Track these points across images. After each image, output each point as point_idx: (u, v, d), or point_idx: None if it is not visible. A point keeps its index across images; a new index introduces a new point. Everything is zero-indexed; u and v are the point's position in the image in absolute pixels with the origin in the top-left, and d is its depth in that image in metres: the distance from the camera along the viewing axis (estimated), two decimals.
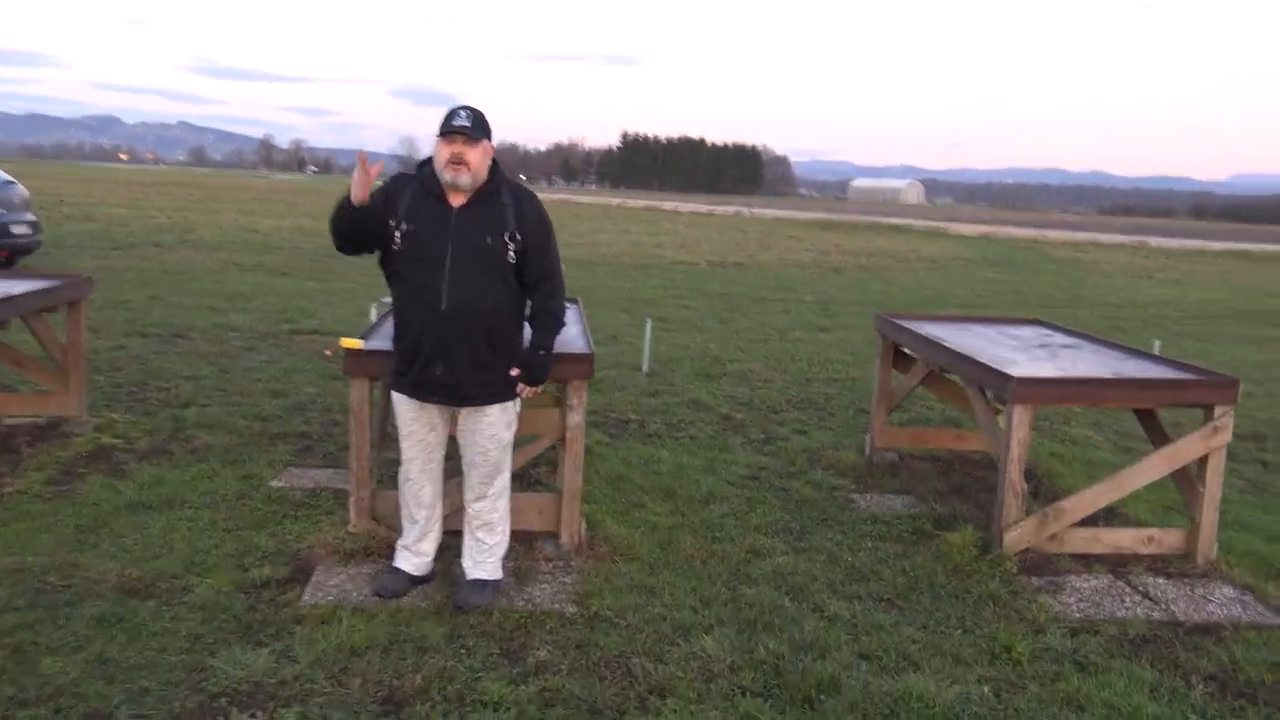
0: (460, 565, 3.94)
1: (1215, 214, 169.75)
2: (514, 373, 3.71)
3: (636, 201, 71.78)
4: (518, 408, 3.82)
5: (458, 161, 3.49)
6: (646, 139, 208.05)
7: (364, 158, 3.48)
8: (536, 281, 3.68)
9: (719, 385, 8.37)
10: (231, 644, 3.38)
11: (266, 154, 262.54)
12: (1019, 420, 4.46)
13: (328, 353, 4.40)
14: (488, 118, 3.61)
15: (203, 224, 25.43)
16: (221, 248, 19.03)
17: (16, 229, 13.78)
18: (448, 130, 3.50)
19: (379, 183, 3.63)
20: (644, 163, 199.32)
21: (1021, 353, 5.26)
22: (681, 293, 15.73)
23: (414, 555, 3.92)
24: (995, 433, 4.74)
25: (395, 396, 3.75)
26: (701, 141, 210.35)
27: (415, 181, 3.63)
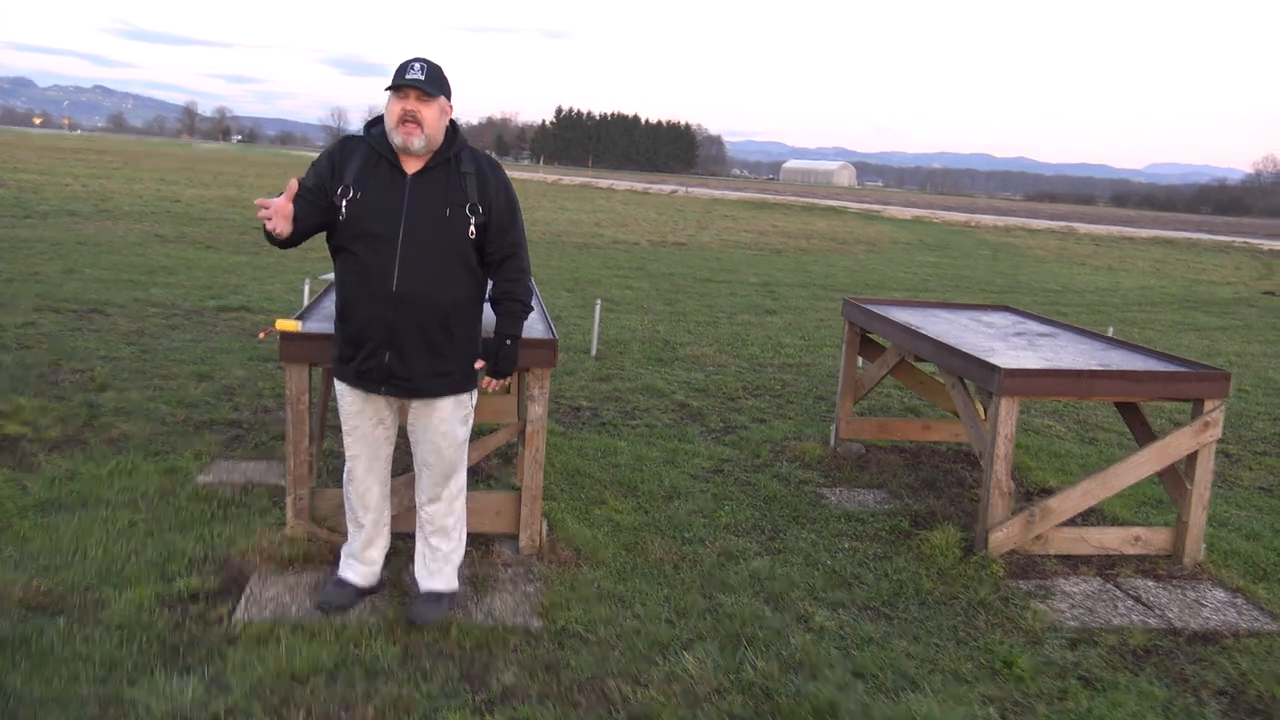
0: (413, 574, 3.57)
1: (1136, 202, 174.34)
2: (478, 364, 3.35)
3: (572, 178, 71.04)
4: (474, 400, 3.45)
5: (410, 120, 3.10)
6: (581, 114, 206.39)
7: (293, 186, 3.06)
8: (501, 261, 3.30)
9: (671, 371, 8.06)
10: (154, 671, 2.98)
11: (190, 121, 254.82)
12: (1005, 414, 4.22)
13: (261, 335, 3.97)
14: (445, 73, 3.22)
15: (121, 193, 24.31)
16: (142, 218, 18.15)
17: None
18: (400, 84, 3.10)
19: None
20: (578, 139, 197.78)
21: (999, 341, 5.04)
22: (625, 273, 15.37)
23: (360, 564, 3.54)
24: (978, 427, 4.50)
25: (338, 386, 3.36)
26: (636, 119, 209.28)
27: (364, 144, 3.23)
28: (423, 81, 3.10)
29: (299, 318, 4.05)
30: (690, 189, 64.94)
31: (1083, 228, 45.58)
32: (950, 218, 47.49)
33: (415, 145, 3.12)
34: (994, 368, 4.21)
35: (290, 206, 2.98)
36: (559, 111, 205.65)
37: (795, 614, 3.71)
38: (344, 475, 3.49)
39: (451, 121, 3.26)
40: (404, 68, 3.14)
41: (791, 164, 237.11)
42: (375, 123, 3.30)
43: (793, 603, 3.81)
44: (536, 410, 3.96)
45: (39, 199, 20.41)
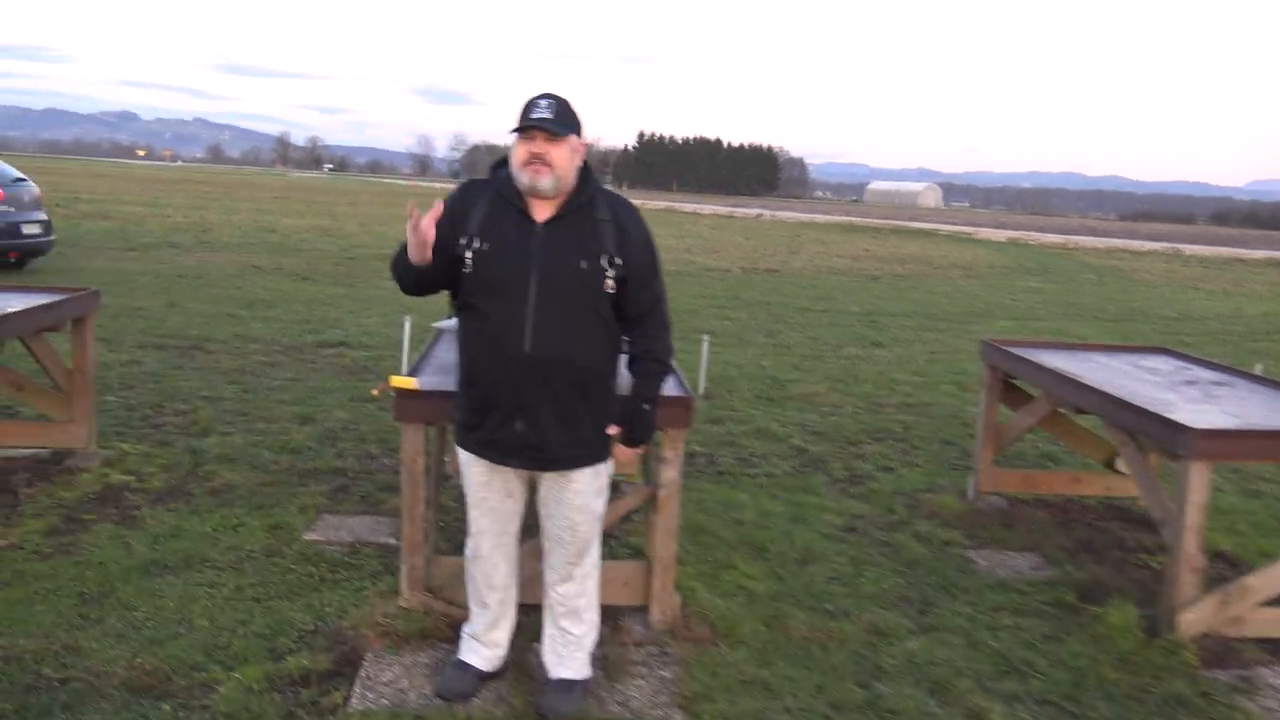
0: (540, 658, 3.24)
1: (1239, 220, 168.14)
2: (612, 431, 3.01)
3: (655, 202, 71.03)
4: (610, 470, 3.11)
5: (538, 161, 2.80)
6: (663, 139, 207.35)
7: (415, 212, 2.77)
8: (640, 317, 2.97)
9: (784, 411, 7.65)
10: None
11: (283, 151, 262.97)
12: (1197, 481, 3.73)
13: (374, 392, 3.70)
14: (575, 108, 2.90)
15: (220, 223, 24.84)
16: (240, 249, 18.41)
17: (27, 229, 13.19)
18: (524, 125, 2.80)
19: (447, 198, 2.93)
20: (659, 163, 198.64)
21: (1169, 391, 4.54)
22: (720, 302, 15.00)
23: (484, 646, 3.22)
24: (1158, 492, 4.01)
25: (462, 455, 3.05)
26: (718, 142, 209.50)
27: (489, 188, 2.93)
28: (550, 121, 2.79)
29: (412, 372, 3.78)
30: (775, 212, 64.38)
31: (1189, 249, 43.80)
32: (1046, 239, 46.13)
33: (544, 185, 2.81)
34: (1182, 427, 3.72)
35: (434, 231, 2.70)
36: (640, 136, 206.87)
37: (966, 709, 3.28)
38: (467, 550, 3.18)
39: (585, 163, 2.94)
40: (529, 106, 2.83)
41: (876, 185, 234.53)
42: (501, 164, 3.00)
43: (961, 695, 3.38)
44: (670, 474, 3.61)
45: (142, 231, 20.91)
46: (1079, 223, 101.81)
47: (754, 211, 63.29)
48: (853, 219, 61.31)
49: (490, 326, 2.83)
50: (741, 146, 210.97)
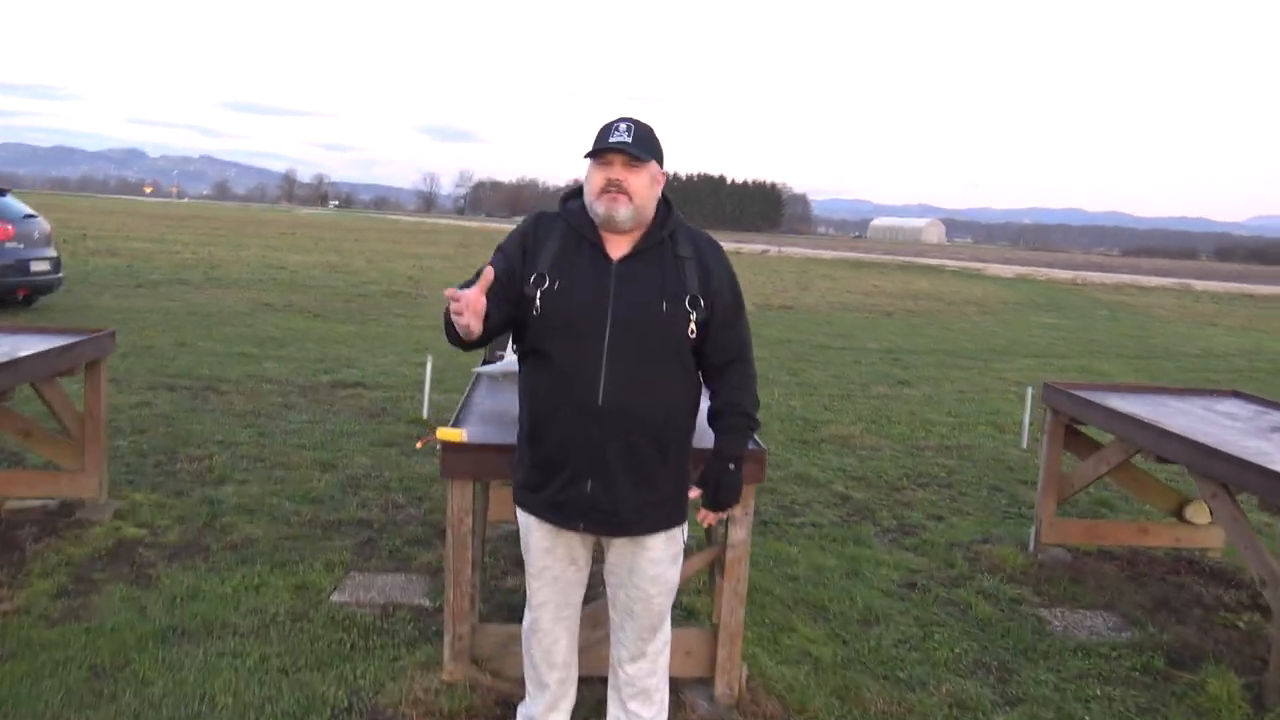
0: None
1: (1242, 255, 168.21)
2: (694, 494, 2.72)
3: None
4: (685, 534, 2.81)
5: (616, 189, 2.53)
6: (667, 175, 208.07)
7: (488, 275, 2.43)
8: (723, 365, 2.68)
9: (821, 455, 7.34)
10: None
11: (289, 188, 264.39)
12: None
13: (419, 444, 3.40)
14: (656, 134, 2.64)
15: (229, 260, 24.66)
16: (250, 286, 18.18)
17: (36, 265, 12.97)
18: (602, 148, 2.53)
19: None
20: (669, 199, 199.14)
21: (1257, 439, 4.24)
22: None
23: None
24: (1259, 550, 3.71)
25: (523, 519, 2.75)
26: (721, 179, 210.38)
27: (560, 222, 2.66)
28: (630, 145, 2.52)
29: (456, 423, 3.49)
30: (781, 248, 64.34)
31: (1198, 284, 43.61)
32: (1055, 275, 45.94)
33: (622, 215, 2.53)
34: None
35: (484, 301, 2.40)
36: None
37: None
38: (525, 624, 2.87)
39: (665, 197, 2.67)
40: (607, 130, 2.56)
41: (879, 221, 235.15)
42: (572, 195, 2.73)
43: None
44: (739, 534, 3.31)
45: (150, 267, 20.71)
46: (1084, 258, 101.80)
47: (759, 247, 63.23)
48: (859, 255, 61.21)
49: (559, 376, 2.54)
50: (745, 183, 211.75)
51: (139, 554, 4.51)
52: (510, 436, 3.36)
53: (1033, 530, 5.27)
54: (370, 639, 3.75)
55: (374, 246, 37.47)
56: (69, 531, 4.71)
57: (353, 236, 46.30)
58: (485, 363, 4.92)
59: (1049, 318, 23.12)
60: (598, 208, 2.56)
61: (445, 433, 3.23)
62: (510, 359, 4.10)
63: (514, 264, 2.58)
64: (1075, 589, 4.78)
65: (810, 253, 59.68)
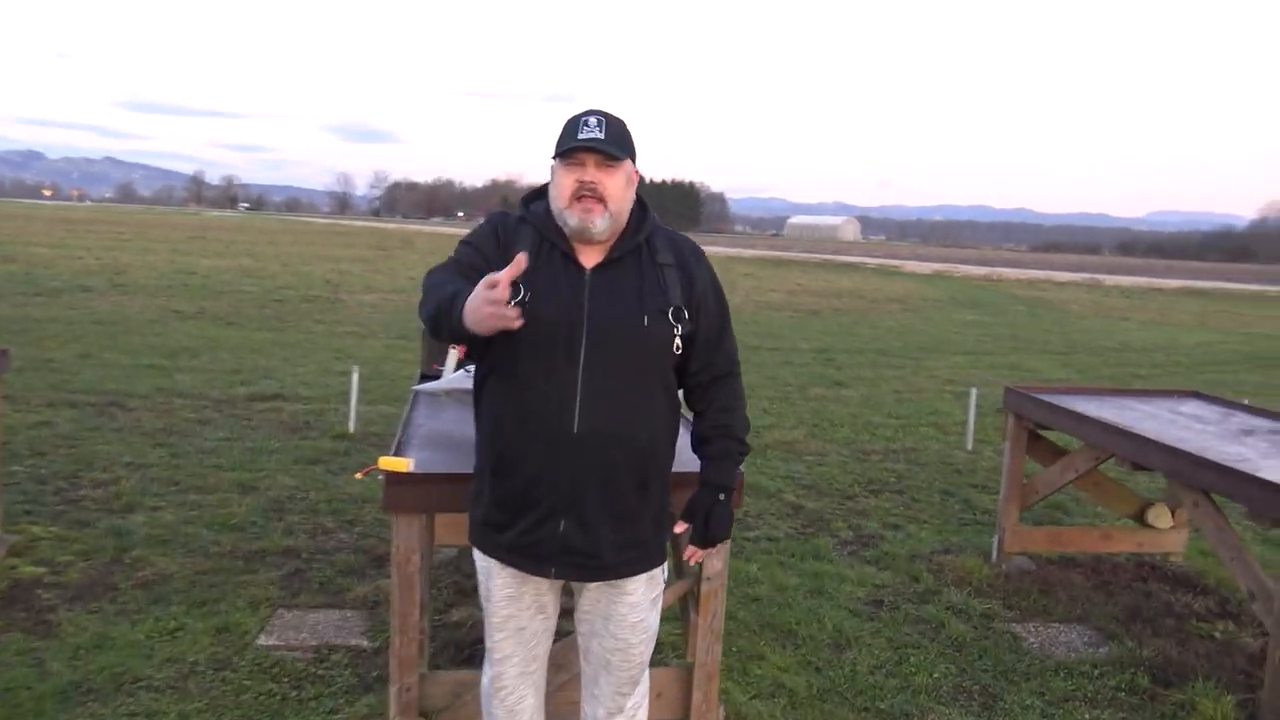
0: None
1: (1143, 250, 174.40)
2: (680, 528, 2.43)
3: None
4: (665, 574, 2.51)
5: (590, 195, 2.21)
6: (641, 176, 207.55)
7: (521, 262, 2.02)
8: (710, 383, 2.40)
9: (767, 462, 7.12)
10: None
11: (197, 190, 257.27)
12: None
13: (359, 475, 3.01)
14: (628, 128, 2.32)
15: (135, 265, 23.58)
16: (158, 292, 17.35)
17: None
18: (572, 147, 2.20)
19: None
20: None
21: (1233, 443, 4.11)
22: None
23: None
24: (1249, 563, 3.56)
25: (483, 563, 2.42)
26: (640, 178, 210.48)
27: (526, 226, 2.34)
28: (604, 142, 2.20)
29: (399, 450, 3.15)
30: (703, 247, 64.42)
31: (1108, 279, 44.85)
32: (971, 272, 46.82)
33: (598, 228, 2.22)
34: None
35: (505, 303, 1.97)
36: None
37: None
38: (485, 680, 2.53)
39: (640, 198, 2.37)
40: (576, 124, 2.24)
41: (796, 219, 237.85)
42: (534, 196, 2.41)
43: None
44: (715, 565, 3.02)
45: (51, 274, 19.67)
46: (994, 254, 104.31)
47: None
48: (779, 253, 61.65)
49: (528, 400, 2.22)
50: (664, 182, 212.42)
51: (37, 597, 4.05)
52: (460, 463, 3.03)
53: (995, 539, 5.10)
54: (304, 688, 3.39)
55: (288, 249, 36.41)
56: None
57: (265, 239, 44.99)
58: (423, 377, 4.57)
59: (970, 315, 23.41)
60: (569, 218, 2.24)
61: (389, 462, 2.88)
62: (454, 375, 3.76)
63: (491, 262, 2.24)
64: (1045, 601, 4.61)
65: (730, 251, 59.89)
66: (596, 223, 2.22)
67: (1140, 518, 5.13)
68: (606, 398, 2.22)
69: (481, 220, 2.50)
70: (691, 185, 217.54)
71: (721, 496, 2.40)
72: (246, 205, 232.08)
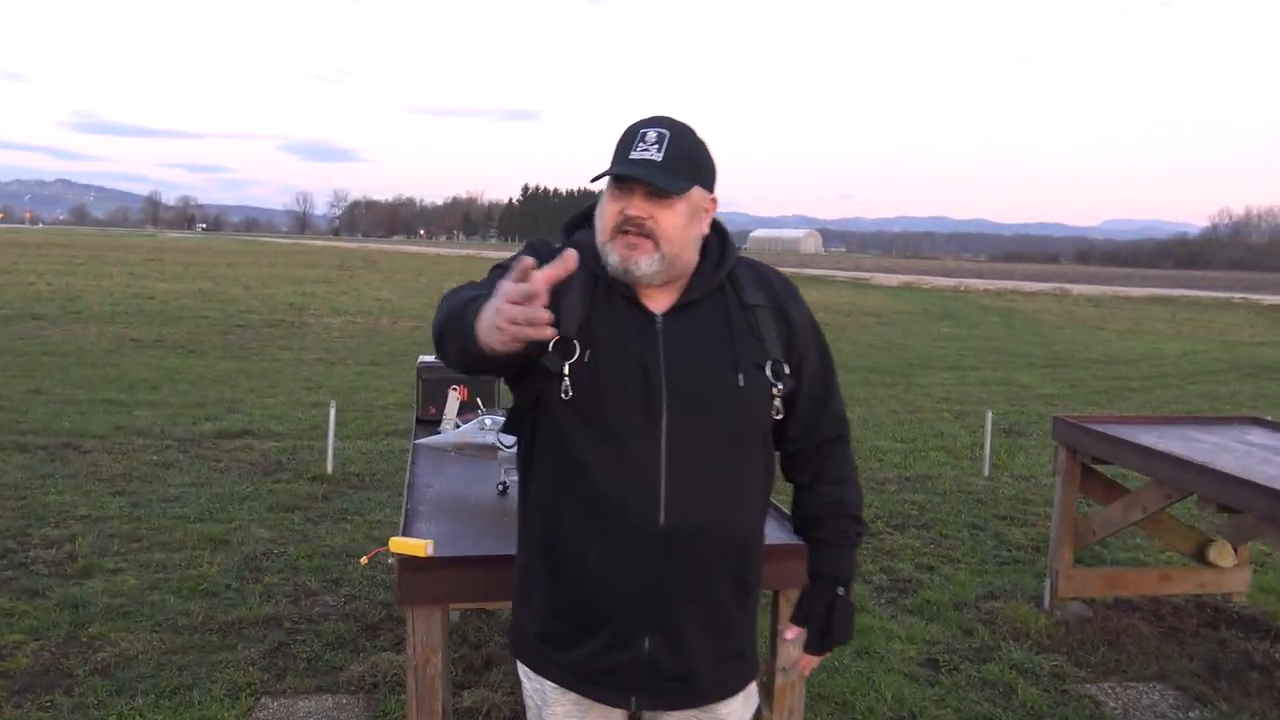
0: None
1: (1099, 259, 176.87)
2: (791, 634, 1.96)
3: None
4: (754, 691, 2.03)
5: (634, 231, 1.73)
6: (547, 191, 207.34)
7: (570, 258, 1.49)
8: (815, 451, 1.93)
9: (778, 494, 6.65)
10: None
11: (153, 211, 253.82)
12: None
13: (363, 560, 2.49)
14: (702, 145, 1.80)
15: (89, 290, 22.74)
16: (114, 319, 16.61)
17: None
18: (619, 173, 1.73)
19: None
20: (545, 216, 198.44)
21: None
22: None
23: None
24: None
25: (534, 686, 1.91)
26: (602, 195, 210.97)
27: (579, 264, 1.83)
28: (659, 168, 1.71)
29: (406, 526, 2.65)
30: None
31: (1075, 288, 45.02)
32: (938, 283, 46.84)
33: (642, 270, 1.73)
34: None
35: (546, 295, 1.46)
36: (525, 189, 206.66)
37: None
38: None
39: (717, 225, 1.90)
40: (632, 137, 1.75)
41: (759, 233, 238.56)
42: (580, 222, 1.94)
43: None
44: (791, 653, 2.55)
45: (0, 301, 18.84)
46: (955, 264, 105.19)
47: None
48: None
49: (598, 483, 1.74)
50: None
51: None
52: (488, 539, 2.55)
53: (1047, 583, 4.66)
54: None
55: (249, 271, 35.56)
56: None
57: (224, 261, 44.02)
58: (418, 423, 4.07)
59: (946, 327, 23.17)
60: (609, 254, 1.76)
61: (402, 544, 2.38)
62: (465, 427, 3.25)
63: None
64: (1114, 655, 4.18)
65: None
66: (641, 264, 1.73)
67: (1200, 556, 4.72)
68: (698, 479, 1.74)
69: (422, 233, 2.02)
70: None
71: (840, 591, 1.92)
72: (204, 226, 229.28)
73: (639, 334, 1.76)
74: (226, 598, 4.44)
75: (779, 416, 1.83)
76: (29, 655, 3.77)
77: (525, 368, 1.73)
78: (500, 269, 1.82)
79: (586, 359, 1.73)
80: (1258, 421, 4.85)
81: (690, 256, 1.79)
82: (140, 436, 7.68)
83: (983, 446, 7.79)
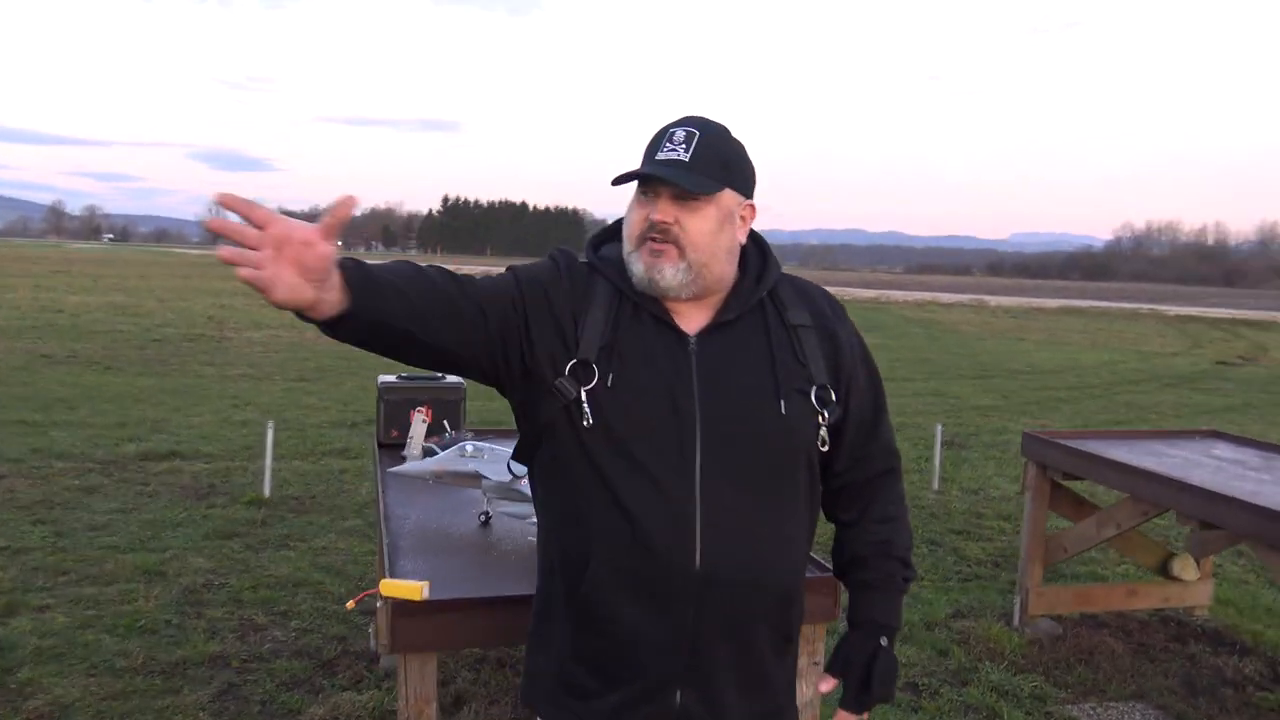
0: None
1: (1010, 270, 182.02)
2: (826, 686, 1.82)
3: (471, 266, 69.26)
4: None
5: (658, 237, 1.59)
6: (468, 202, 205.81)
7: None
8: (865, 484, 1.80)
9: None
10: None
11: (56, 221, 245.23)
12: None
13: (349, 606, 2.28)
14: (736, 145, 1.66)
15: None
16: (21, 334, 15.83)
17: None
18: (645, 173, 1.59)
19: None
20: (466, 227, 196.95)
21: None
22: None
23: None
24: None
25: None
26: (524, 205, 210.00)
27: (599, 278, 1.67)
28: (684, 168, 1.57)
29: (391, 563, 2.46)
30: None
31: (991, 300, 46.14)
32: (860, 295, 47.59)
33: (667, 281, 1.59)
34: None
35: (321, 246, 1.37)
36: (445, 200, 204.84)
37: None
38: None
39: (756, 236, 1.76)
40: (658, 139, 1.62)
41: None
42: (607, 236, 1.78)
43: None
44: (806, 692, 2.42)
45: None
46: (874, 276, 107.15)
47: None
48: None
49: (627, 524, 1.58)
50: (547, 209, 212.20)
51: None
52: (484, 578, 2.38)
53: (1017, 600, 4.63)
54: None
55: (163, 283, 34.44)
56: None
57: (136, 272, 42.60)
58: (379, 445, 3.86)
59: (871, 338, 23.18)
60: (634, 265, 1.62)
61: (394, 587, 2.19)
62: (444, 454, 3.05)
63: (526, 312, 1.62)
64: (1090, 674, 4.14)
65: None
66: (665, 273, 1.59)
67: (1164, 570, 4.73)
68: (736, 518, 1.60)
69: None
70: (574, 212, 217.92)
71: (884, 641, 1.79)
72: (111, 236, 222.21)
73: (669, 356, 1.62)
74: (167, 635, 4.15)
75: (825, 448, 1.70)
76: None
77: (530, 391, 1.62)
78: (512, 276, 1.68)
79: (610, 383, 1.59)
80: (1219, 435, 4.90)
81: (722, 268, 1.65)
82: (59, 460, 7.25)
83: (929, 460, 7.81)
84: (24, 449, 7.52)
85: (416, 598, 2.15)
